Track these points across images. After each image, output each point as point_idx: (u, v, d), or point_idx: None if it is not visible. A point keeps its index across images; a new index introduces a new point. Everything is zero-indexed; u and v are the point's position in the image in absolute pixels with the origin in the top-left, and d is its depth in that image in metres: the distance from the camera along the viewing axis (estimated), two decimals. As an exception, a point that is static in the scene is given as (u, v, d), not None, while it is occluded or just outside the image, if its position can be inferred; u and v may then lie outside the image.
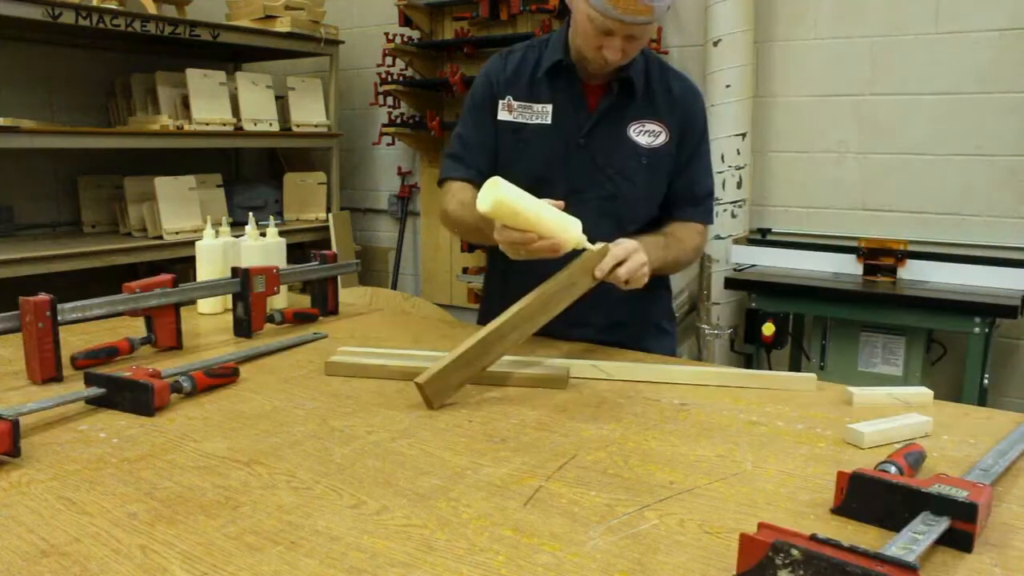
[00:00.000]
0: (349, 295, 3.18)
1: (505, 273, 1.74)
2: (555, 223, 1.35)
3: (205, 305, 1.90)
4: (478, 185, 1.63)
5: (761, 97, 3.40)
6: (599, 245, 1.40)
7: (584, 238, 1.38)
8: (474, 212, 1.39)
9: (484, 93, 1.70)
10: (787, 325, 3.03)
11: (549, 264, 1.40)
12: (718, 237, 3.36)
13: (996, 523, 0.89)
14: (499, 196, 1.30)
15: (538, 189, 1.57)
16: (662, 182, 1.67)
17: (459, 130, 1.74)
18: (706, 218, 1.72)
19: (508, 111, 1.66)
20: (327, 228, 4.29)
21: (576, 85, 1.63)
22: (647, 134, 1.63)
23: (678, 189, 1.69)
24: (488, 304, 1.85)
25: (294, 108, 4.15)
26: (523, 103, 1.65)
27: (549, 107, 1.64)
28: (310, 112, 4.22)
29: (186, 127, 3.64)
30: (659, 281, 1.75)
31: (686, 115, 1.65)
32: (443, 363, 1.27)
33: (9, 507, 0.92)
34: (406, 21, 4.08)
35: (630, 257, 1.39)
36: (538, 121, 1.64)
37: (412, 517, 0.90)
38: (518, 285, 1.45)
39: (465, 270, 4.14)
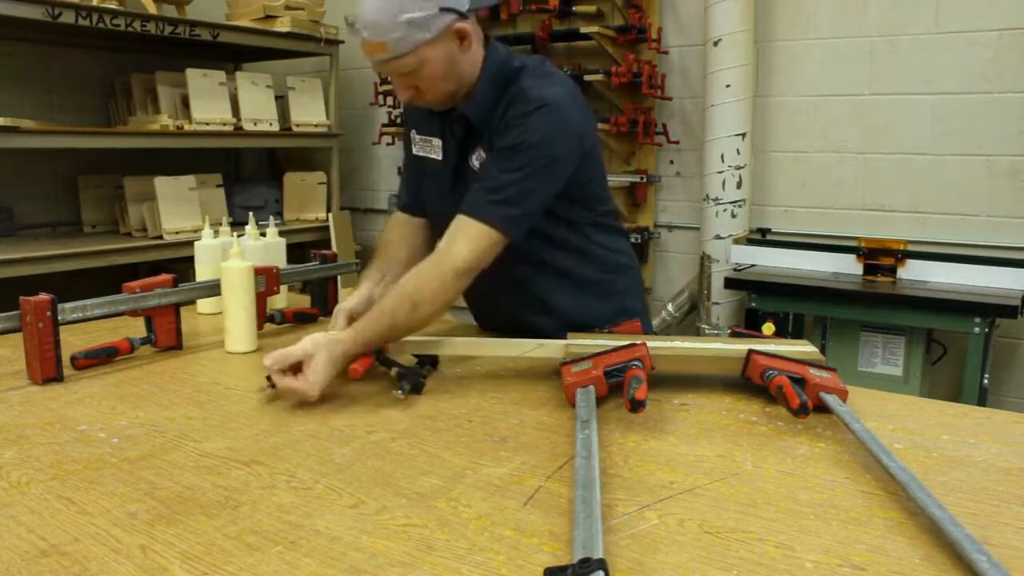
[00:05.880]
0: (349, 295, 3.16)
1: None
2: None
3: (205, 305, 1.90)
4: (412, 214, 1.75)
5: (761, 97, 3.40)
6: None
7: None
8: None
9: (406, 127, 1.73)
10: (787, 325, 3.03)
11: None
12: (718, 237, 3.36)
13: (997, 523, 0.89)
14: None
15: (439, 221, 1.59)
16: None
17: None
18: (476, 211, 1.43)
19: (415, 145, 1.69)
20: (327, 228, 4.29)
21: (451, 117, 1.58)
22: (479, 159, 1.55)
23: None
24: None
25: (294, 108, 4.15)
26: (424, 137, 1.66)
27: (440, 142, 1.62)
28: (310, 112, 4.22)
29: (186, 127, 3.64)
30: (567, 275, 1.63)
31: (500, 128, 1.49)
32: None
33: (9, 507, 0.92)
34: (406, 21, 4.08)
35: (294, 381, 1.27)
36: (434, 156, 1.63)
37: (412, 517, 0.90)
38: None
39: (465, 270, 4.13)
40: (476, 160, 1.55)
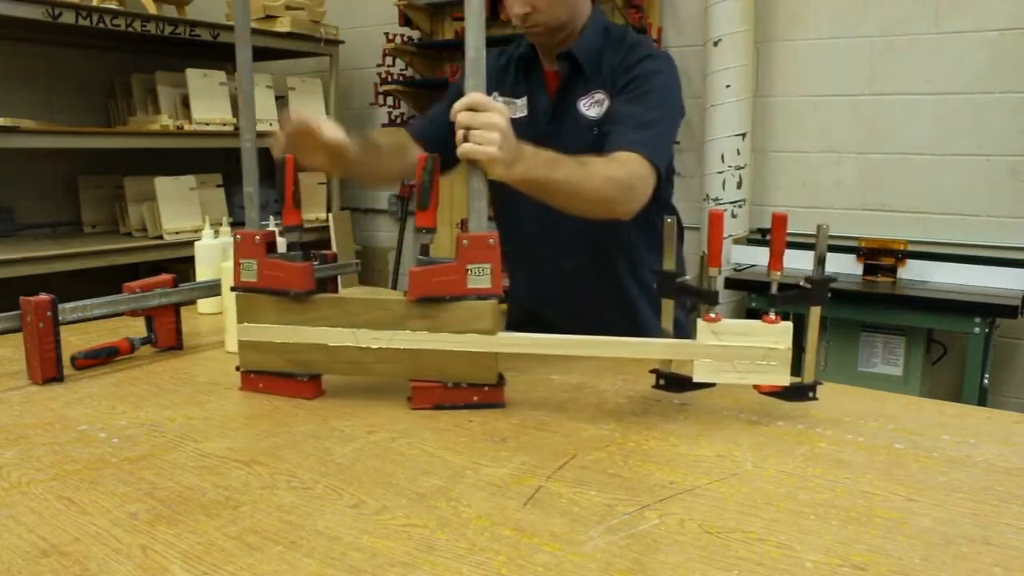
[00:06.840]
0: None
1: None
2: None
3: (205, 305, 1.90)
4: (416, 143, 1.65)
5: (761, 97, 3.40)
6: None
7: None
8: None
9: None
10: (787, 325, 3.01)
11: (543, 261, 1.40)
12: (718, 237, 3.36)
13: (997, 523, 0.89)
14: None
15: None
16: None
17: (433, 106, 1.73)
18: (638, 146, 1.42)
19: None
20: (327, 228, 4.29)
21: (539, 74, 1.62)
22: (595, 105, 1.53)
23: (608, 126, 1.50)
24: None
25: (294, 108, 4.15)
26: (507, 99, 1.64)
27: (524, 100, 1.62)
28: (310, 112, 4.21)
29: (186, 127, 3.64)
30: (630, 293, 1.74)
31: (623, 67, 1.51)
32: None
33: (9, 507, 0.92)
34: (406, 21, 4.08)
35: (483, 111, 1.25)
36: (518, 115, 1.60)
37: (412, 517, 0.90)
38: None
39: (465, 270, 4.13)
40: (587, 106, 1.53)
